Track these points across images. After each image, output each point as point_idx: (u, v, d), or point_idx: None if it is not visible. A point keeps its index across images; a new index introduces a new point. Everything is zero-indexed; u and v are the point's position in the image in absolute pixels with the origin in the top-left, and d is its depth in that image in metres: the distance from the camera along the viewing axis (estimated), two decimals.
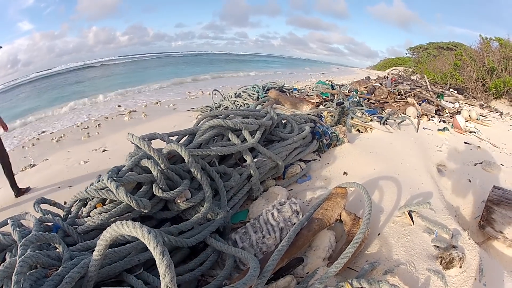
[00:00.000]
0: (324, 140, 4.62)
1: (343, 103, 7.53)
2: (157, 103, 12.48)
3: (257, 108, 5.12)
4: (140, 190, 2.42)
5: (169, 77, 24.53)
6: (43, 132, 8.95)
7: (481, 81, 14.14)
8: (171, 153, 2.68)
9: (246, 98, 8.02)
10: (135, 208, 2.17)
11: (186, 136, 3.27)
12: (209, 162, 3.02)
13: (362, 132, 5.91)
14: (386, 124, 6.55)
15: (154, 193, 2.39)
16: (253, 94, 8.30)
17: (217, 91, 8.61)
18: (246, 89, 9.54)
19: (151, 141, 2.79)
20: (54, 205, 2.85)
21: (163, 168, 2.48)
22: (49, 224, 2.33)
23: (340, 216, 2.58)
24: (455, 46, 36.64)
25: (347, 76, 35.01)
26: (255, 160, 3.31)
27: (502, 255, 3.03)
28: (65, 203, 3.02)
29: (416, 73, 30.31)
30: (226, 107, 7.75)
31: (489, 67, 14.17)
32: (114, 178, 2.27)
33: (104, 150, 6.04)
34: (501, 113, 11.14)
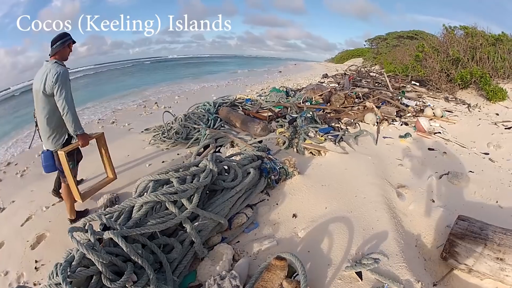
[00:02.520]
0: (273, 177, 4.66)
1: (296, 119, 7.64)
2: (113, 122, 12.29)
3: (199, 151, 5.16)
4: (92, 281, 2.57)
5: (127, 89, 24.36)
6: (8, 163, 8.80)
7: (445, 72, 14.47)
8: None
9: (195, 121, 8.05)
10: None
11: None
12: (151, 234, 3.11)
13: (315, 155, 5.98)
14: (343, 140, 6.64)
15: (104, 283, 2.52)
16: (203, 116, 8.34)
17: (168, 112, 8.58)
18: (197, 107, 9.63)
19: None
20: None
21: (104, 262, 2.56)
22: None
23: (282, 285, 2.60)
24: (415, 34, 38.07)
25: (304, 73, 35.54)
26: (196, 224, 3.36)
27: (466, 284, 3.13)
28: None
29: (376, 64, 31.16)
30: (176, 131, 7.73)
31: (454, 57, 14.49)
32: (68, 276, 2.43)
33: None
34: (469, 106, 11.47)
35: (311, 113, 7.79)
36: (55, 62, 4.15)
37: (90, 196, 4.94)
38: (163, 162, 6.61)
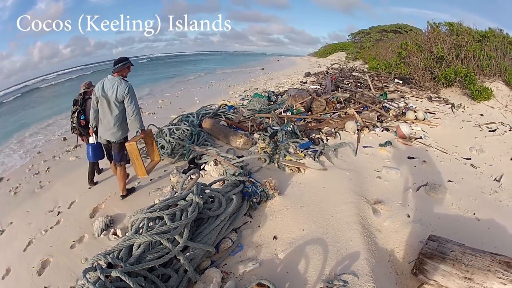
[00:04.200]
0: (254, 199, 5.21)
1: (277, 133, 8.12)
2: None
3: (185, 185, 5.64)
4: None
5: None
6: (0, 179, 9.22)
7: (429, 70, 14.90)
8: None
9: (179, 137, 8.51)
10: None
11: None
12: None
13: (295, 172, 6.46)
14: (322, 154, 7.08)
15: None
16: (187, 129, 8.78)
17: (153, 125, 8.98)
18: (181, 119, 10.08)
19: None
20: None
21: None
22: None
23: None
24: (399, 28, 39.06)
25: (287, 69, 36.32)
26: (188, 254, 3.92)
27: None
28: None
29: (358, 59, 31.97)
30: (162, 145, 8.29)
31: (438, 55, 14.86)
32: None
33: (59, 212, 6.47)
34: (453, 106, 11.89)
35: (291, 126, 8.30)
36: (122, 78, 5.84)
37: (150, 172, 6.62)
38: (151, 180, 7.12)
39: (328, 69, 28.02)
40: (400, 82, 16.30)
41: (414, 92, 14.28)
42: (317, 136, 8.46)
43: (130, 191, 6.71)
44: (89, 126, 6.47)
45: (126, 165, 6.61)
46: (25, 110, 24.37)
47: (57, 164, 9.78)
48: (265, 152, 7.15)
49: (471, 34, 15.16)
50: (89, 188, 7.02)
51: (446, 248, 3.61)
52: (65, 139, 12.73)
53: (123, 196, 6.50)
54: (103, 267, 3.34)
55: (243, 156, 7.18)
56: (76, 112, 7.03)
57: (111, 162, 6.75)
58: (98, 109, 6.05)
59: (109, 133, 6.05)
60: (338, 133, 8.76)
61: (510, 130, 9.09)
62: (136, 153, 6.13)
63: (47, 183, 8.21)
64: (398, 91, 14.37)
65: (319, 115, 10.19)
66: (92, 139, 6.57)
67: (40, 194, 7.62)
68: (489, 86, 12.25)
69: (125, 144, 6.14)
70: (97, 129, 6.30)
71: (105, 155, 6.72)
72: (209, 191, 4.92)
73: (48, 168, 9.34)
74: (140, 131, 6.25)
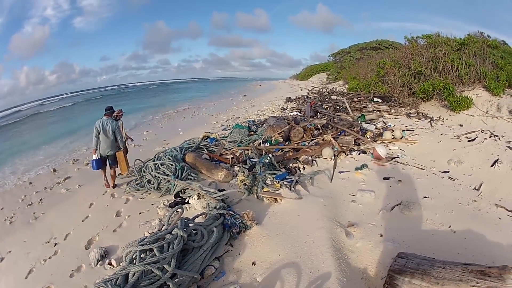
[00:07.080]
0: (234, 230, 5.93)
1: (255, 166, 8.80)
2: (87, 164, 13.40)
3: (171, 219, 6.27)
4: None
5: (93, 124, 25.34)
6: None
7: (408, 86, 15.54)
8: None
9: (164, 171, 9.31)
10: None
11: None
12: None
13: (272, 202, 7.10)
14: (298, 183, 7.72)
15: None
16: (171, 164, 9.55)
17: (139, 160, 10.08)
18: (165, 154, 10.70)
19: None
20: None
21: None
22: None
23: None
24: (379, 44, 40.26)
25: (268, 95, 37.79)
26: (176, 280, 4.56)
27: None
28: None
29: (339, 80, 33.07)
30: (148, 180, 9.26)
31: (416, 70, 15.49)
32: None
33: (55, 244, 7.07)
34: (431, 120, 12.52)
35: (268, 158, 8.99)
36: (111, 119, 9.77)
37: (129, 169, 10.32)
38: (140, 213, 7.85)
39: (309, 93, 28.77)
40: (380, 100, 16.98)
41: (393, 110, 14.93)
42: (294, 165, 9.13)
43: (115, 185, 10.22)
44: (93, 148, 9.79)
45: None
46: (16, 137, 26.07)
47: (49, 196, 10.47)
48: (244, 184, 7.83)
49: (449, 44, 15.75)
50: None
51: (414, 263, 3.99)
52: (54, 170, 13.46)
53: (113, 187, 10.11)
54: None
55: (224, 190, 7.91)
56: None
57: (103, 169, 10.10)
58: (99, 137, 9.58)
59: (108, 150, 9.77)
60: (315, 160, 9.39)
61: (490, 137, 9.56)
62: (122, 158, 9.98)
63: (41, 214, 8.89)
64: (377, 110, 15.07)
65: (296, 144, 10.84)
66: (94, 156, 9.71)
67: (35, 225, 8.27)
68: (469, 95, 12.80)
69: (116, 153, 9.90)
70: (97, 149, 9.71)
71: (103, 164, 9.96)
72: (192, 225, 5.64)
73: (40, 200, 10.06)
74: (122, 148, 10.01)
